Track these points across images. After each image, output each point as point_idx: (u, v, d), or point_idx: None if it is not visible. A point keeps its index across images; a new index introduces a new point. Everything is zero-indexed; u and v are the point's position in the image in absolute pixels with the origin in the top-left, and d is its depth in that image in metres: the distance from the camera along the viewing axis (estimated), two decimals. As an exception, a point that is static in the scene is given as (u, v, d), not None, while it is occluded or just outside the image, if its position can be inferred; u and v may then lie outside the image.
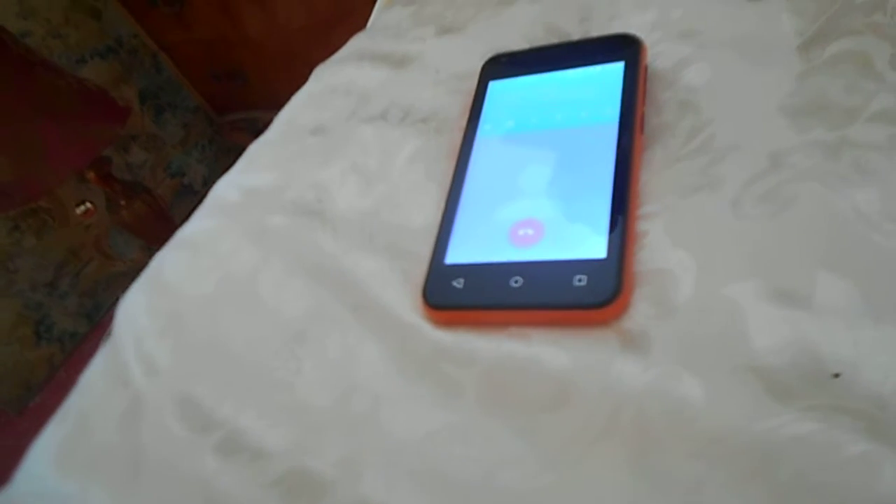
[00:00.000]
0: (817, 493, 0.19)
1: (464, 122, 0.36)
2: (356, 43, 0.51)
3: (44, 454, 0.34)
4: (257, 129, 0.48)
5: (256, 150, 0.46)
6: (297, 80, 0.51)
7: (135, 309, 0.38)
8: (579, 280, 0.26)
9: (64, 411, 0.36)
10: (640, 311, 0.25)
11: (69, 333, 1.42)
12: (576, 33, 0.39)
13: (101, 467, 0.31)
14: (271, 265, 0.36)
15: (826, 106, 0.28)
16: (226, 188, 0.44)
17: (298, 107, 0.48)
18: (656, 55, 0.35)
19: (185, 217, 0.44)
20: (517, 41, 0.40)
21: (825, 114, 0.28)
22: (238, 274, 0.36)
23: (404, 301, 0.30)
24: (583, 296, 0.26)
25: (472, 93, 0.37)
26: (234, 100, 1.55)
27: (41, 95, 1.01)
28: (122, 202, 1.23)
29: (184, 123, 1.59)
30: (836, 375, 0.21)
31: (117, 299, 0.40)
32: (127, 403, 0.33)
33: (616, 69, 0.33)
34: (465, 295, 0.28)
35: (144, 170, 1.51)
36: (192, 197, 1.62)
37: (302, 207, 0.38)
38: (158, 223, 1.27)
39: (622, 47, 0.34)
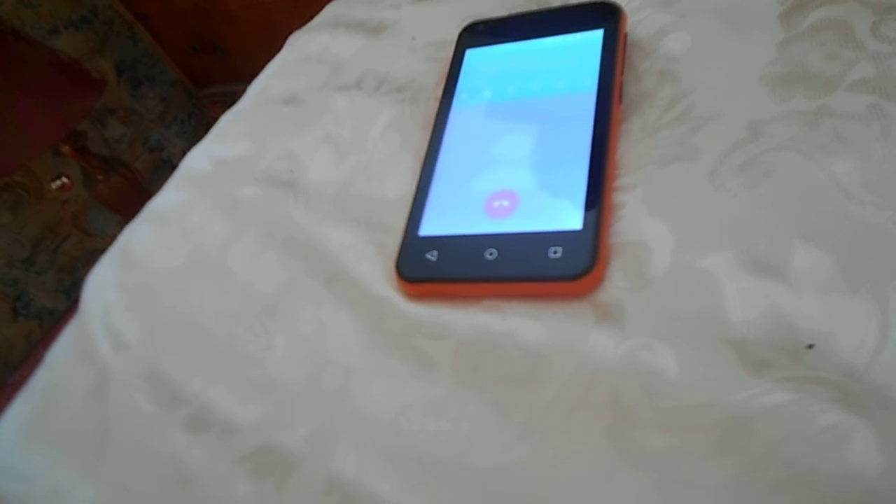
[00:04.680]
0: (789, 464, 0.19)
1: (440, 92, 0.35)
2: (331, 10, 0.50)
3: (10, 430, 0.33)
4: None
5: (229, 120, 0.45)
6: (277, 52, 0.50)
7: (103, 283, 0.38)
8: (555, 252, 0.26)
9: (31, 387, 0.35)
10: (616, 283, 0.25)
11: (48, 310, 1.40)
12: (555, 0, 0.38)
13: (68, 443, 0.31)
14: (243, 238, 0.35)
15: (806, 75, 0.27)
16: (197, 159, 0.43)
17: (272, 76, 0.47)
18: (636, 23, 0.34)
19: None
20: (495, 8, 0.39)
21: (805, 83, 0.27)
22: (209, 247, 0.36)
23: (378, 274, 0.30)
24: (558, 268, 0.25)
25: (449, 61, 0.36)
26: (213, 73, 1.52)
27: (12, 67, 0.99)
28: (100, 177, 1.21)
29: (162, 97, 1.56)
30: (811, 346, 0.21)
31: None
32: (94, 379, 0.32)
33: (595, 37, 0.33)
34: (439, 267, 0.28)
35: (122, 144, 1.48)
36: (171, 172, 1.57)
37: (274, 178, 0.37)
38: (137, 198, 1.24)
39: (602, 15, 0.33)
